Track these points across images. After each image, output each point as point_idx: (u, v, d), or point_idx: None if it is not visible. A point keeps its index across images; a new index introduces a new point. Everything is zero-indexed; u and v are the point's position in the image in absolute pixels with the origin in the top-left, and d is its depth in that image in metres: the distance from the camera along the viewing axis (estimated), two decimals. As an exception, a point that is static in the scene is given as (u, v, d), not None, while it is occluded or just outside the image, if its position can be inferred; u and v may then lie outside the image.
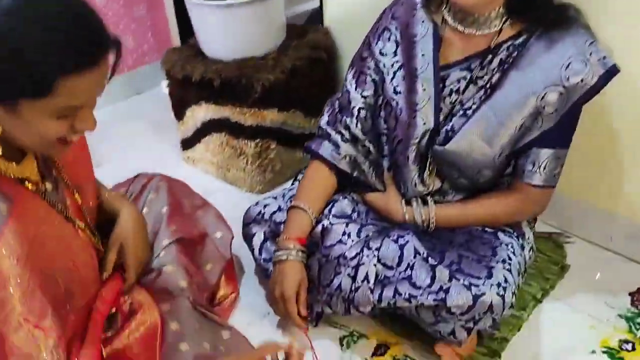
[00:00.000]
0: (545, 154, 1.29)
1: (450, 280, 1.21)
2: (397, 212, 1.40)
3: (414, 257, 1.26)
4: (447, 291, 1.20)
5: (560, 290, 1.57)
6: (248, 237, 1.54)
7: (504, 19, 1.25)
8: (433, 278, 1.22)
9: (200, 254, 1.50)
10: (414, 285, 1.23)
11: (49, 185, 1.08)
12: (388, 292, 1.25)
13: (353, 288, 1.30)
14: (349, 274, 1.31)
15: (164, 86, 2.11)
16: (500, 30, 1.26)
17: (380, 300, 1.27)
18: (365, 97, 1.45)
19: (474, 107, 1.30)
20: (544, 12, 1.22)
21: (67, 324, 0.98)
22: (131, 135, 2.41)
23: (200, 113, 1.99)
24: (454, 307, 1.19)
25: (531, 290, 1.54)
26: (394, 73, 1.40)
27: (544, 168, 1.30)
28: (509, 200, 1.36)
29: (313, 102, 1.96)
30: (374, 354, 1.41)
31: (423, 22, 1.35)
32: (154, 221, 1.44)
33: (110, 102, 2.60)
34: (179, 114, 2.09)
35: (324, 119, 1.52)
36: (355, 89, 1.45)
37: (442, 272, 1.22)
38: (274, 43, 1.94)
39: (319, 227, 1.39)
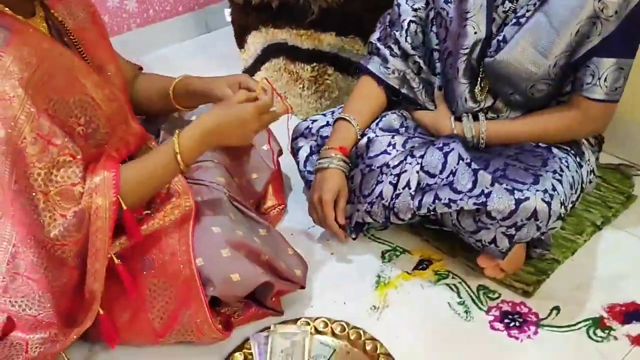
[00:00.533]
0: (606, 64, 1.20)
1: (492, 184, 1.15)
2: (446, 128, 1.34)
3: (457, 163, 1.20)
4: (488, 195, 1.14)
5: (624, 220, 1.46)
6: (295, 151, 1.54)
7: None
8: (475, 182, 1.17)
9: (246, 163, 1.51)
10: (454, 190, 1.19)
11: None
12: (428, 198, 1.21)
13: (394, 195, 1.26)
14: (390, 182, 1.28)
15: (227, 15, 2.13)
16: None
17: (420, 206, 1.23)
18: (415, 10, 1.40)
19: (528, 14, 1.22)
20: None
21: (87, 154, 1.04)
22: (198, 69, 2.41)
23: (259, 39, 1.99)
24: (495, 212, 1.14)
25: (590, 216, 1.44)
26: None
27: (605, 80, 1.21)
28: (565, 115, 1.28)
29: (372, 29, 1.90)
30: (415, 268, 1.38)
31: None
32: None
33: (179, 39, 2.65)
34: (241, 42, 2.10)
35: (375, 34, 1.49)
36: (406, 2, 1.41)
37: (485, 177, 1.16)
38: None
39: (364, 140, 1.36)
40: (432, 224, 1.36)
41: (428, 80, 1.43)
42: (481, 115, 1.32)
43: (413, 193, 1.23)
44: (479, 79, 1.31)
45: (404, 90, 1.41)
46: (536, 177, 1.16)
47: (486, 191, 1.15)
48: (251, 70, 2.12)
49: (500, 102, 1.33)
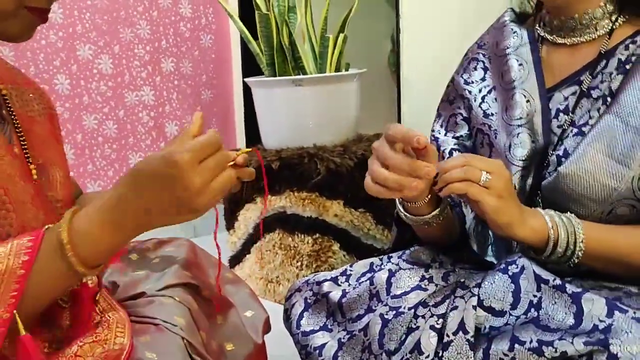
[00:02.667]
0: None
1: (610, 314, 0.72)
2: (523, 212, 0.87)
3: (538, 289, 0.79)
4: (607, 330, 0.71)
5: None
6: (288, 312, 1.11)
7: (614, 18, 0.98)
8: (579, 314, 0.74)
9: (221, 327, 1.07)
10: (545, 328, 0.75)
11: None
12: (500, 345, 0.77)
13: (440, 346, 0.82)
14: (432, 326, 0.84)
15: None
16: (612, 31, 0.98)
17: (486, 358, 0.77)
18: (457, 138, 1.14)
19: (592, 121, 0.96)
20: None
21: None
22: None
23: (253, 213, 1.69)
24: (625, 355, 0.69)
25: None
26: (483, 97, 1.11)
27: None
28: None
29: (387, 209, 1.63)
30: None
31: (515, 32, 1.10)
32: (163, 272, 1.06)
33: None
34: (231, 221, 1.80)
35: None
36: (446, 134, 1.16)
37: (595, 302, 0.74)
38: (344, 135, 1.71)
39: (384, 273, 0.97)
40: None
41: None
42: (569, 214, 0.92)
43: (472, 339, 0.79)
44: (537, 202, 0.98)
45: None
46: (672, 311, 0.74)
47: (602, 325, 0.72)
48: (239, 255, 1.78)
49: None
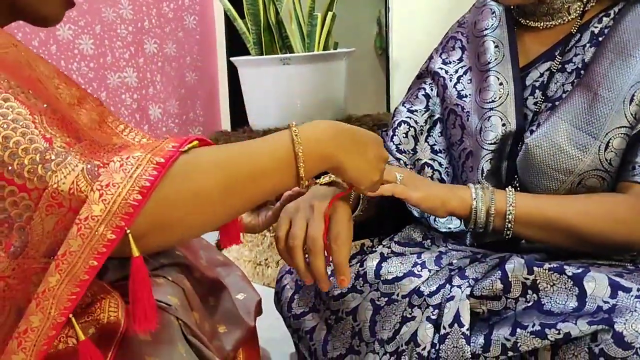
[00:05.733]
0: None
1: (614, 294, 0.71)
2: (452, 188, 0.91)
3: (530, 272, 0.78)
4: (611, 310, 0.70)
5: None
6: (279, 294, 1.10)
7: (584, 0, 0.97)
8: (581, 297, 0.73)
9: (214, 309, 1.05)
10: (549, 313, 0.74)
11: None
12: (502, 330, 0.75)
13: (436, 338, 0.80)
14: (429, 318, 0.83)
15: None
16: (583, 12, 0.98)
17: (487, 345, 0.76)
18: (411, 112, 1.13)
19: (565, 95, 0.95)
20: None
21: None
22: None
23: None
24: (630, 334, 0.68)
25: None
26: (458, 78, 1.10)
27: None
28: (616, 201, 0.87)
29: (377, 189, 1.62)
30: None
31: (493, 13, 1.09)
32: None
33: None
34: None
35: None
36: (404, 104, 1.15)
37: (598, 284, 0.73)
38: (332, 115, 1.68)
39: (375, 257, 0.95)
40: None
41: None
42: (509, 190, 0.91)
43: (467, 332, 0.78)
44: (514, 187, 0.97)
45: None
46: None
47: (606, 306, 0.70)
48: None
49: None
